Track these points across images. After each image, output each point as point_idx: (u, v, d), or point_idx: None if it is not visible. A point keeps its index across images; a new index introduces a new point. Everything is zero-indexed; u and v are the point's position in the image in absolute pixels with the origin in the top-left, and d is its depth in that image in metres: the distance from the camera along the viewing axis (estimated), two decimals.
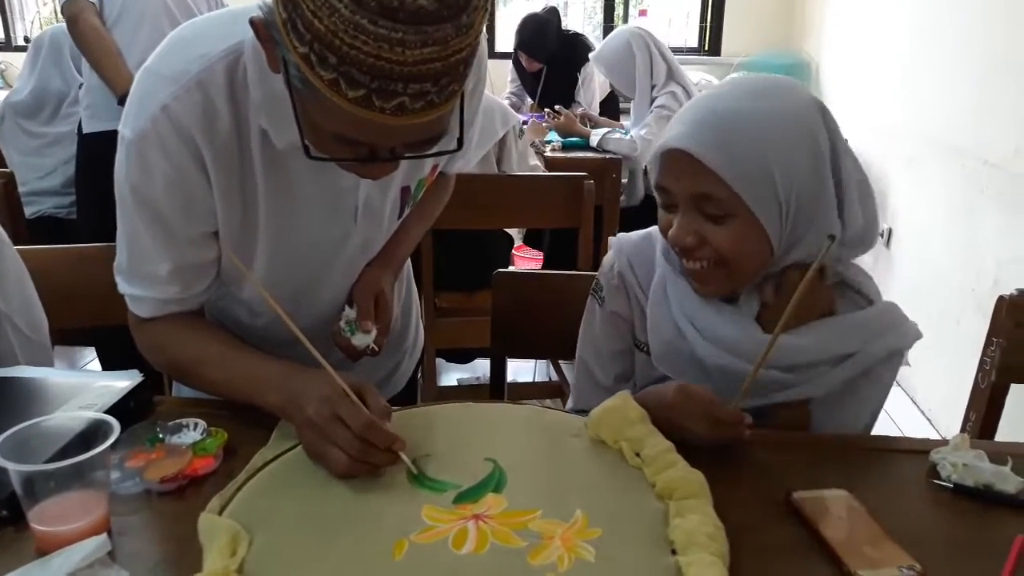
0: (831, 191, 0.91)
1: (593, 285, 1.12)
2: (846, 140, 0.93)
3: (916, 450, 0.92)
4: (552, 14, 3.83)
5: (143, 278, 0.97)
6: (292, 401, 0.86)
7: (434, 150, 0.80)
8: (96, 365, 2.69)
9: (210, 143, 0.89)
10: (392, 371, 1.31)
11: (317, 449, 0.83)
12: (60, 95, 2.70)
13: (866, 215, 0.95)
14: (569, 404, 1.15)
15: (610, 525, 0.76)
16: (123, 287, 1.00)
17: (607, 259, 1.11)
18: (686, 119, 0.91)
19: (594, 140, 3.15)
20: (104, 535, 0.72)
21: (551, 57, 3.75)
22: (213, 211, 0.94)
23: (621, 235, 1.12)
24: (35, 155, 2.62)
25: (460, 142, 0.82)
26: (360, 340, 1.03)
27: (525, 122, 3.58)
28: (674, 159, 0.91)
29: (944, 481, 0.86)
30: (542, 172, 2.69)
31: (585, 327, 1.13)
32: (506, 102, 3.91)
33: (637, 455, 0.86)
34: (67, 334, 2.43)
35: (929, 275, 2.83)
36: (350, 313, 1.05)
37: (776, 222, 0.90)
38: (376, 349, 1.04)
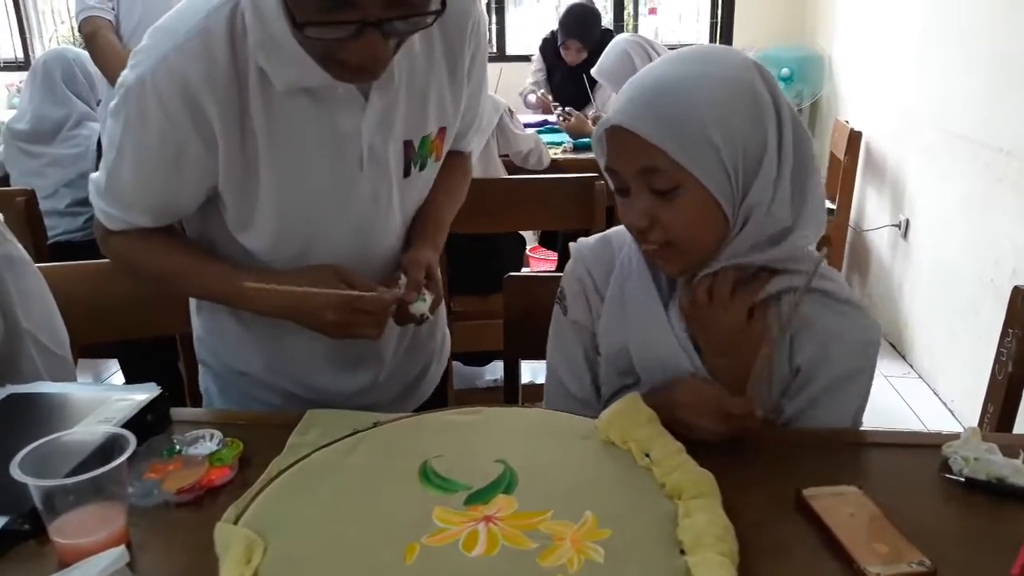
0: (774, 156, 0.89)
1: (557, 292, 1.11)
2: (791, 104, 0.92)
3: (928, 444, 0.91)
4: (593, 3, 3.77)
5: (117, 201, 1.02)
6: (301, 312, 1.00)
7: (413, 12, 0.85)
8: (120, 376, 2.74)
9: (211, 90, 0.92)
10: (421, 374, 1.31)
11: (343, 334, 1.00)
12: (57, 121, 2.73)
13: (810, 193, 0.93)
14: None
15: (619, 526, 0.76)
16: (95, 200, 1.04)
17: (568, 266, 1.10)
18: (621, 97, 0.91)
19: None
20: (123, 547, 0.73)
21: (596, 45, 3.64)
22: (205, 166, 0.97)
23: (581, 240, 1.11)
24: (35, 175, 2.66)
25: (443, 3, 0.86)
26: (416, 308, 1.06)
27: (540, 124, 3.57)
28: (614, 138, 0.91)
29: (956, 475, 0.85)
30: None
31: (552, 335, 1.12)
32: (531, 89, 3.87)
33: (647, 456, 0.86)
34: (91, 348, 2.48)
35: (947, 266, 2.80)
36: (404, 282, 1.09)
37: (725, 186, 0.89)
38: (429, 315, 1.07)
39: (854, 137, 3.45)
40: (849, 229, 3.58)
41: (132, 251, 1.07)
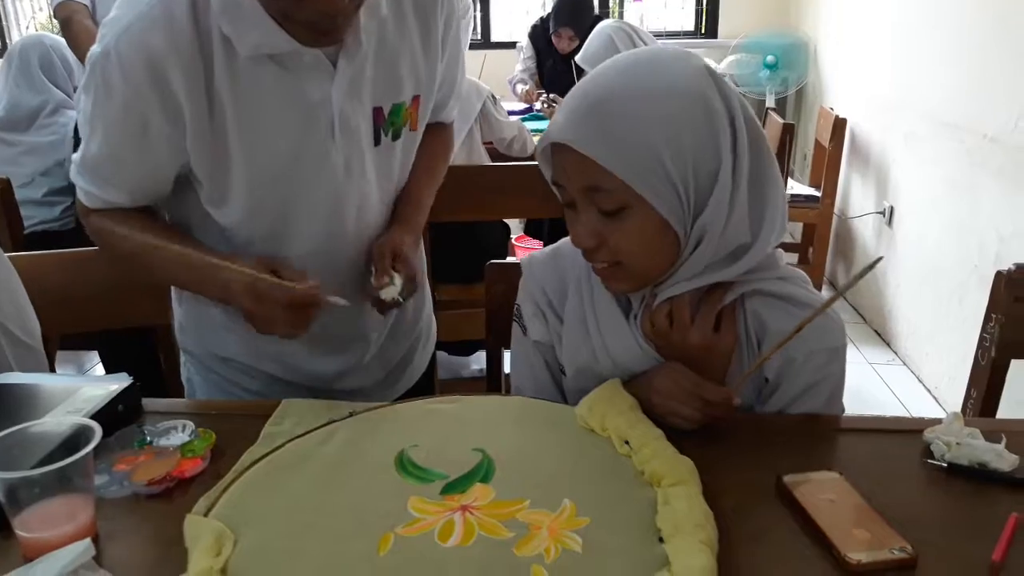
0: (728, 171, 0.83)
1: (515, 311, 1.06)
2: (747, 106, 0.86)
3: (910, 430, 0.90)
4: None
5: (93, 178, 1.03)
6: (225, 291, 0.97)
7: None
8: (101, 368, 2.71)
9: (176, 59, 0.91)
10: (406, 359, 1.30)
11: (263, 328, 0.96)
12: (33, 109, 2.69)
13: (770, 203, 0.88)
14: None
15: (598, 514, 0.75)
16: (75, 178, 1.05)
17: (521, 283, 1.05)
18: (565, 108, 0.85)
19: None
20: (88, 540, 0.71)
21: (585, 37, 3.65)
22: (172, 139, 0.97)
23: (531, 255, 1.07)
24: (11, 164, 2.61)
25: None
26: (385, 293, 1.05)
27: (526, 111, 3.55)
28: (558, 153, 0.85)
29: (938, 461, 0.85)
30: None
31: (514, 355, 1.08)
32: (519, 78, 3.83)
33: (626, 443, 0.85)
34: (70, 338, 2.45)
35: (931, 252, 2.80)
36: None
37: (676, 206, 0.83)
38: (400, 300, 1.06)
39: (839, 124, 3.45)
40: (834, 216, 3.58)
41: (106, 230, 1.06)
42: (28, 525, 0.73)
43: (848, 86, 3.76)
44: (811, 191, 3.66)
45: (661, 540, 0.71)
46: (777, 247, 0.92)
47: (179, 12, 0.90)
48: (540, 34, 3.88)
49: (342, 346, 1.19)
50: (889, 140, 3.22)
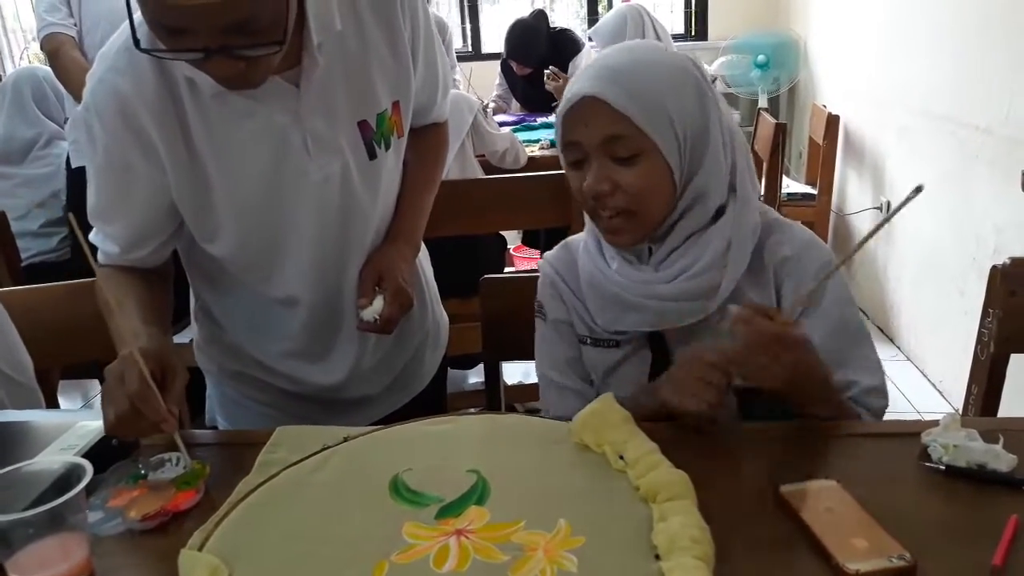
0: (717, 131, 1.00)
1: (536, 307, 1.17)
2: (717, 96, 1.02)
3: (907, 433, 0.90)
4: (540, 19, 3.82)
5: (97, 230, 1.08)
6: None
7: (256, 42, 0.85)
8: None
9: (144, 104, 0.95)
10: (415, 362, 1.31)
11: (102, 400, 0.89)
12: (28, 141, 2.72)
13: (739, 182, 1.02)
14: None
15: (594, 532, 0.75)
16: (92, 235, 1.09)
17: (540, 279, 1.17)
18: (587, 75, 0.99)
19: None
20: None
21: (542, 60, 3.74)
22: (155, 182, 0.99)
23: (547, 254, 1.19)
24: (7, 196, 2.63)
25: (285, 34, 0.86)
26: (365, 314, 1.08)
27: (518, 122, 3.58)
28: (584, 108, 0.98)
29: (936, 464, 0.84)
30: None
31: (538, 346, 1.17)
32: (492, 105, 3.93)
33: (621, 458, 0.85)
34: (73, 368, 2.45)
35: (930, 246, 2.79)
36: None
37: (676, 155, 0.98)
38: (376, 319, 1.07)
39: (832, 121, 3.45)
40: (832, 213, 3.58)
41: (97, 282, 1.06)
42: (23, 567, 0.72)
43: (840, 83, 3.76)
44: (807, 189, 3.65)
45: (657, 557, 0.70)
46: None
47: (142, 60, 0.92)
48: (506, 64, 4.03)
49: (326, 354, 1.20)
50: (883, 135, 3.21)
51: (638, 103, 0.95)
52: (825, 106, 3.65)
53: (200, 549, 0.75)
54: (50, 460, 0.82)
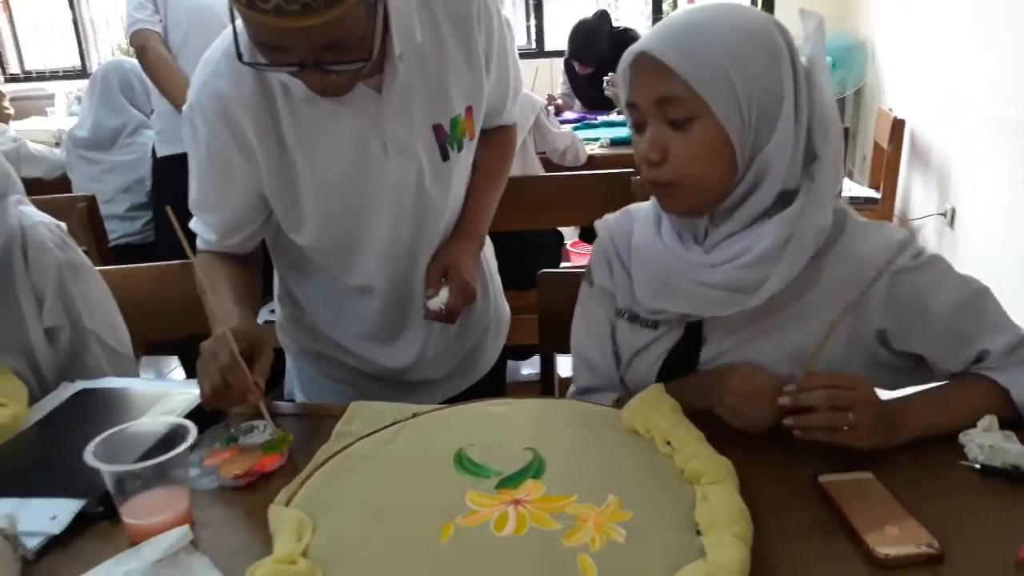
0: (791, 107, 0.92)
1: (584, 273, 1.16)
2: (806, 67, 0.95)
3: (947, 433, 0.93)
4: (602, 20, 3.88)
5: (197, 219, 1.19)
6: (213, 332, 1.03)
7: (345, 59, 0.93)
8: (180, 372, 2.87)
9: (242, 105, 1.05)
10: (477, 348, 1.40)
11: (198, 374, 0.99)
12: (115, 129, 2.88)
13: (831, 144, 0.94)
14: (571, 390, 1.17)
15: (640, 508, 0.81)
16: (192, 223, 1.19)
17: (595, 241, 1.15)
18: (652, 30, 0.97)
19: None
20: (187, 526, 0.81)
21: (603, 60, 3.79)
22: (251, 176, 1.10)
23: (607, 217, 1.16)
24: (95, 181, 2.81)
25: (371, 52, 0.96)
26: (432, 303, 1.17)
27: (579, 120, 3.64)
28: (639, 67, 0.95)
29: (971, 462, 0.88)
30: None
31: (578, 308, 1.17)
32: (559, 102, 3.99)
33: (668, 443, 0.91)
34: (152, 345, 2.60)
35: (995, 254, 2.76)
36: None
37: (738, 124, 0.91)
38: (441, 309, 1.16)
39: (897, 125, 3.40)
40: (894, 219, 3.54)
41: (196, 268, 1.16)
42: (133, 513, 0.82)
43: (907, 86, 3.71)
44: (870, 193, 3.62)
45: (699, 533, 0.77)
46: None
47: (242, 65, 1.00)
48: (569, 63, 4.10)
49: (395, 338, 1.29)
50: (950, 140, 3.17)
51: (693, 61, 0.90)
52: (891, 110, 3.60)
53: (286, 505, 0.84)
54: (156, 421, 0.92)
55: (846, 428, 0.86)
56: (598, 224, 1.16)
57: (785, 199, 0.94)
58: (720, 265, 0.96)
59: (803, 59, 0.95)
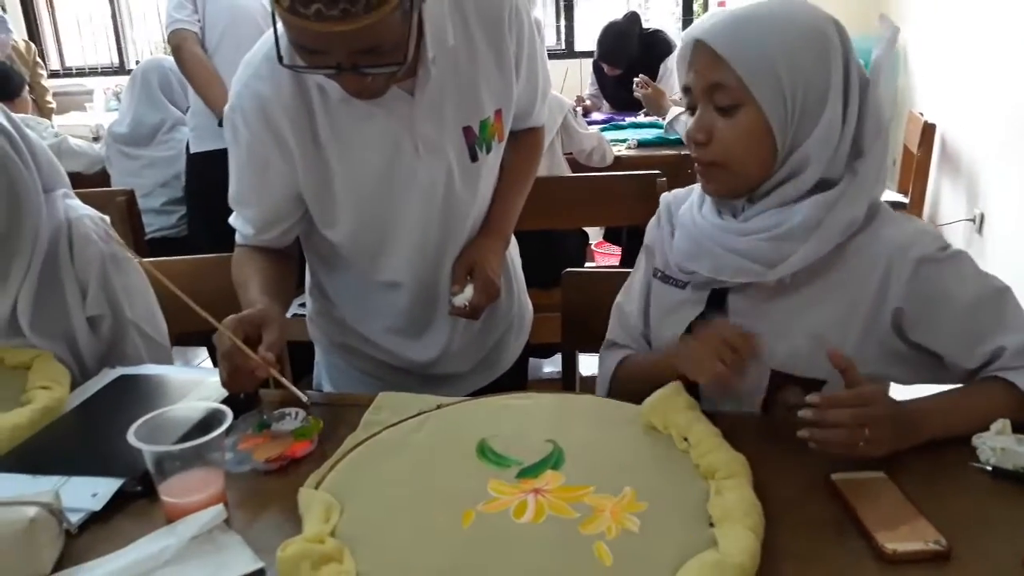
0: (839, 103, 0.95)
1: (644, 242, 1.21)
2: (862, 65, 0.98)
3: (959, 435, 0.95)
4: (632, 23, 3.89)
5: (236, 213, 1.24)
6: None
7: (381, 62, 0.97)
8: (209, 363, 2.93)
9: (281, 107, 1.10)
10: (500, 344, 1.43)
11: (218, 364, 1.04)
12: (154, 126, 2.96)
13: (870, 158, 0.98)
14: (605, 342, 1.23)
15: (655, 500, 0.84)
16: (231, 217, 1.25)
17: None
18: (708, 16, 1.00)
19: (668, 118, 3.21)
20: (221, 506, 0.85)
21: (632, 61, 3.80)
22: (288, 174, 1.14)
23: (674, 190, 1.21)
24: (133, 176, 2.89)
25: (405, 56, 0.98)
26: (457, 300, 1.20)
27: (606, 121, 3.66)
28: (694, 52, 0.99)
29: (983, 464, 0.90)
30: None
31: (632, 274, 1.23)
32: (587, 103, 4.00)
33: (685, 439, 0.93)
34: (183, 336, 2.66)
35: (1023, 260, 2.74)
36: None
37: (781, 115, 0.95)
38: (466, 305, 1.20)
39: (928, 130, 3.38)
40: None
41: (233, 261, 1.25)
42: (171, 492, 0.87)
43: (938, 91, 3.68)
44: (898, 197, 3.59)
45: (712, 525, 0.79)
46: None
47: (281, 68, 1.04)
48: (597, 64, 4.12)
49: (420, 333, 1.33)
50: (980, 146, 3.15)
51: (742, 52, 0.94)
52: (922, 114, 3.58)
53: (316, 488, 0.88)
54: (193, 406, 0.97)
55: (862, 444, 0.87)
56: (664, 194, 1.21)
57: (825, 185, 0.98)
58: (750, 235, 1.00)
59: (873, 58, 0.99)
